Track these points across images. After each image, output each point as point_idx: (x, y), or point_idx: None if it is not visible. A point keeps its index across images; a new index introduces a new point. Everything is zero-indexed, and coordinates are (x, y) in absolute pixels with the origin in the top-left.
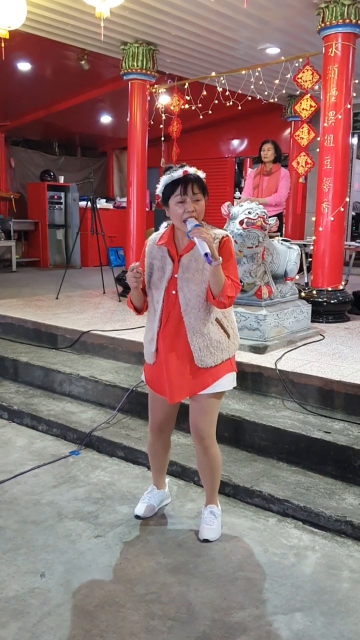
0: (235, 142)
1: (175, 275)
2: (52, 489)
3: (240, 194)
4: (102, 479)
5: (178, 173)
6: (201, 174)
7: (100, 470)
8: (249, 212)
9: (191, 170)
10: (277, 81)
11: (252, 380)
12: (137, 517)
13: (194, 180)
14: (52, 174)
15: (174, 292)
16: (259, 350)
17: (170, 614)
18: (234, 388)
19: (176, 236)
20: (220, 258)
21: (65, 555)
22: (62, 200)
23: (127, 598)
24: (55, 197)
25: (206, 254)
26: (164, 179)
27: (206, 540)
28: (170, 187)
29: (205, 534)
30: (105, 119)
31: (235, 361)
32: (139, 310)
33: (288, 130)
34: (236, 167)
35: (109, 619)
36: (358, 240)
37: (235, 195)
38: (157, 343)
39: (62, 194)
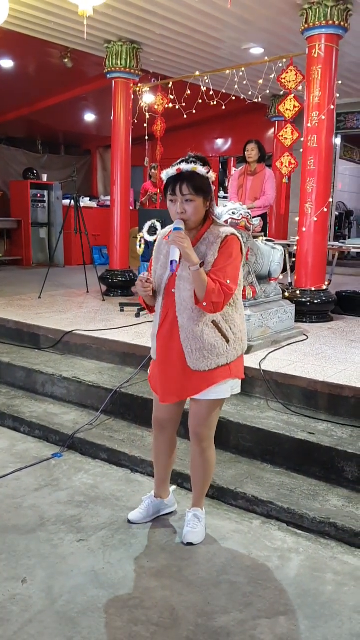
0: (220, 141)
1: (176, 273)
2: (34, 492)
3: (225, 193)
4: (85, 481)
5: (172, 170)
6: (200, 170)
7: (83, 472)
8: (232, 213)
9: (187, 166)
10: (260, 81)
11: None
12: (130, 522)
13: (187, 179)
14: (35, 172)
15: (173, 290)
16: None
17: (153, 620)
18: None
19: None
20: (198, 264)
21: (47, 560)
22: (46, 199)
23: (110, 603)
24: (39, 195)
25: (172, 262)
26: (164, 174)
27: (190, 544)
28: (166, 184)
29: (189, 538)
30: (89, 117)
31: (240, 366)
32: (151, 308)
33: (272, 130)
34: (220, 167)
35: (92, 626)
36: (341, 241)
37: (219, 194)
38: (157, 340)
39: (46, 192)
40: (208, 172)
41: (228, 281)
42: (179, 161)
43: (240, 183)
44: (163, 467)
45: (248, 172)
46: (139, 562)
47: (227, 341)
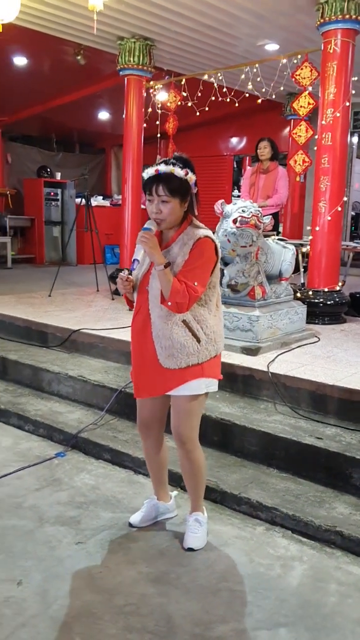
0: (234, 140)
1: (151, 270)
2: (35, 492)
3: (239, 192)
4: (87, 482)
5: (151, 171)
6: (178, 172)
7: (86, 473)
8: (242, 211)
9: (165, 168)
10: (275, 78)
11: (243, 382)
12: (130, 525)
13: (164, 180)
14: (49, 170)
15: (146, 287)
16: (251, 351)
17: (149, 627)
18: (224, 390)
19: (164, 232)
20: (163, 264)
21: (44, 562)
22: (59, 197)
23: (105, 609)
24: (52, 193)
25: (133, 260)
26: (144, 173)
27: (190, 549)
28: (144, 184)
29: (189, 543)
30: (104, 115)
31: (214, 367)
32: (132, 305)
33: (288, 128)
34: (235, 165)
35: (85, 632)
36: (356, 241)
37: (233, 193)
38: (131, 334)
39: (59, 191)
40: (186, 175)
41: (195, 283)
42: (159, 161)
43: (252, 181)
44: (156, 469)
45: (260, 170)
46: (137, 567)
47: (198, 341)
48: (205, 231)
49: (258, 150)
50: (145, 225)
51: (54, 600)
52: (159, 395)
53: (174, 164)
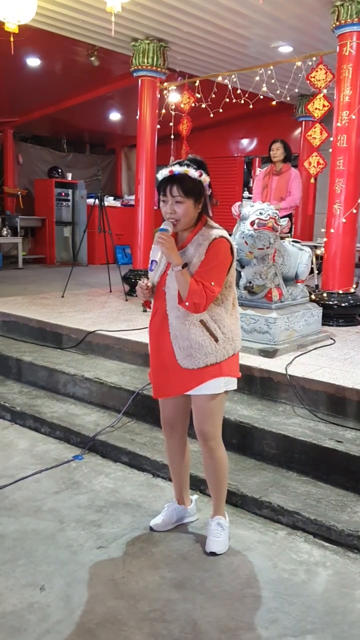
0: (245, 141)
1: (168, 271)
2: (54, 495)
3: (250, 193)
4: (106, 485)
5: (165, 172)
6: (192, 173)
7: (104, 476)
8: (260, 213)
9: (179, 169)
10: (289, 80)
11: (261, 385)
12: (151, 529)
13: (178, 181)
14: (60, 170)
15: (163, 288)
16: (268, 354)
17: (174, 634)
18: (242, 392)
19: (179, 234)
20: (180, 265)
21: (66, 567)
22: (70, 198)
23: (130, 615)
24: (63, 194)
25: (152, 261)
26: (158, 174)
27: (213, 554)
28: (159, 185)
29: (212, 547)
30: (115, 116)
31: (232, 366)
32: (150, 305)
33: (299, 130)
34: (245, 167)
35: (111, 638)
36: None
37: (244, 195)
38: (149, 335)
39: (70, 191)
40: (200, 176)
41: (212, 283)
42: (173, 163)
43: (265, 183)
44: (178, 470)
45: (273, 172)
46: (160, 571)
47: (216, 340)
48: (220, 231)
49: (271, 152)
50: (162, 226)
51: (77, 606)
52: (177, 395)
53: (188, 165)
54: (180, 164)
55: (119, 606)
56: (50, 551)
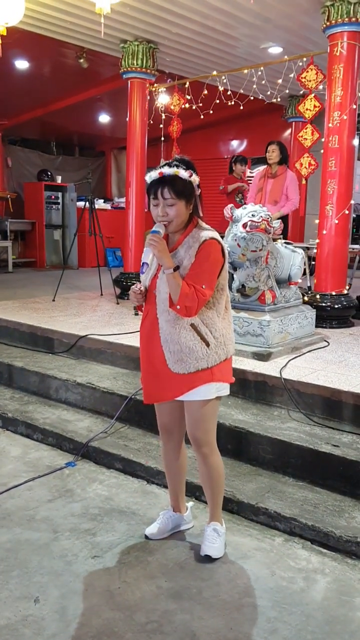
0: (235, 142)
1: (159, 274)
2: (48, 503)
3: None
4: (100, 493)
5: (155, 174)
6: (182, 174)
7: (98, 483)
8: (252, 215)
9: (169, 171)
10: (280, 81)
11: (255, 389)
12: (147, 537)
13: (169, 183)
14: (49, 173)
15: (154, 291)
16: (262, 357)
17: None
18: (237, 397)
19: (170, 236)
20: (172, 268)
21: (61, 578)
22: (60, 200)
23: (126, 627)
24: (53, 197)
25: (143, 263)
26: (147, 177)
27: (208, 557)
28: (149, 187)
29: (207, 550)
30: (104, 118)
31: (224, 371)
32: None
33: (289, 131)
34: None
35: None
36: None
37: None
38: (140, 339)
39: (60, 194)
40: (190, 176)
41: (203, 286)
42: (162, 165)
43: (260, 186)
44: (175, 477)
45: (269, 175)
46: (156, 581)
47: (207, 345)
48: (210, 232)
49: (267, 154)
50: (154, 228)
51: (73, 618)
52: (168, 400)
53: (177, 166)
54: (169, 165)
55: (115, 618)
56: (44, 562)
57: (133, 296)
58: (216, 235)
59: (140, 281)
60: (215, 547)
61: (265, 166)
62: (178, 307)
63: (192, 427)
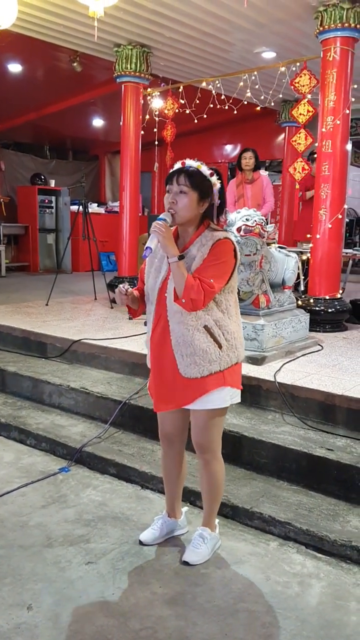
0: (229, 147)
1: (169, 277)
2: (41, 509)
3: None
4: (94, 498)
5: (178, 164)
6: (204, 170)
7: (92, 489)
8: (246, 219)
9: (193, 163)
10: (273, 86)
11: (250, 393)
12: (141, 542)
13: (187, 172)
14: (43, 177)
15: (165, 294)
16: (256, 361)
17: None
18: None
19: (180, 235)
20: (177, 256)
21: (54, 584)
22: (53, 204)
23: (120, 634)
24: (46, 201)
25: (146, 247)
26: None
27: (186, 563)
28: (168, 177)
29: (186, 557)
30: (98, 122)
31: (235, 376)
32: (134, 312)
33: (282, 136)
34: (229, 173)
35: None
36: (355, 248)
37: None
38: (150, 347)
39: (53, 198)
40: (211, 175)
41: (211, 280)
42: (195, 161)
43: (240, 192)
44: (173, 484)
45: (246, 181)
46: (150, 587)
47: (220, 347)
48: (224, 233)
49: (243, 161)
50: (161, 216)
51: (66, 626)
52: (180, 407)
53: (202, 164)
54: (195, 160)
55: (109, 624)
56: (37, 568)
57: (118, 295)
58: (230, 236)
59: (133, 284)
60: (198, 552)
61: (239, 173)
62: (183, 300)
63: (198, 434)
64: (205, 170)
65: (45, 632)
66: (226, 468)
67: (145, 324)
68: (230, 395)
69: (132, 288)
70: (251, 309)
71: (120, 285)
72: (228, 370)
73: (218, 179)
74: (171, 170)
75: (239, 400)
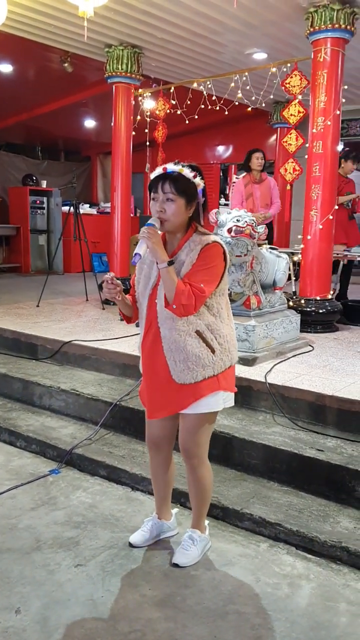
0: (221, 148)
1: (159, 283)
2: (30, 511)
3: (226, 200)
4: (84, 500)
5: (159, 169)
6: (187, 173)
7: (82, 490)
8: (237, 220)
9: (174, 167)
10: (264, 87)
11: (241, 393)
12: (131, 545)
13: (171, 178)
14: (34, 178)
15: (155, 300)
16: (247, 362)
17: None
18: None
19: (168, 240)
20: (166, 262)
21: (43, 587)
22: (45, 205)
23: (109, 637)
24: (38, 201)
25: (135, 254)
26: (152, 174)
27: (175, 565)
28: (151, 183)
29: (176, 558)
30: (89, 123)
31: (229, 379)
32: (128, 319)
33: (274, 137)
34: (221, 174)
35: None
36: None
37: (220, 201)
38: (141, 353)
39: (45, 199)
40: (195, 177)
41: (201, 284)
42: (175, 162)
43: (249, 192)
44: (162, 487)
45: (254, 181)
46: (140, 589)
47: (213, 351)
48: (213, 236)
49: (255, 161)
50: (149, 221)
51: (55, 629)
52: (174, 413)
53: (183, 166)
54: (175, 163)
55: (98, 627)
56: (26, 571)
57: (106, 287)
58: (219, 239)
59: (125, 285)
60: (187, 554)
61: (244, 174)
62: (174, 306)
63: (186, 439)
64: (188, 173)
65: (33, 636)
66: (216, 469)
67: (137, 325)
68: (223, 399)
69: (126, 294)
70: (242, 310)
71: (106, 275)
72: (222, 374)
73: (201, 178)
74: (153, 177)
75: (233, 404)
